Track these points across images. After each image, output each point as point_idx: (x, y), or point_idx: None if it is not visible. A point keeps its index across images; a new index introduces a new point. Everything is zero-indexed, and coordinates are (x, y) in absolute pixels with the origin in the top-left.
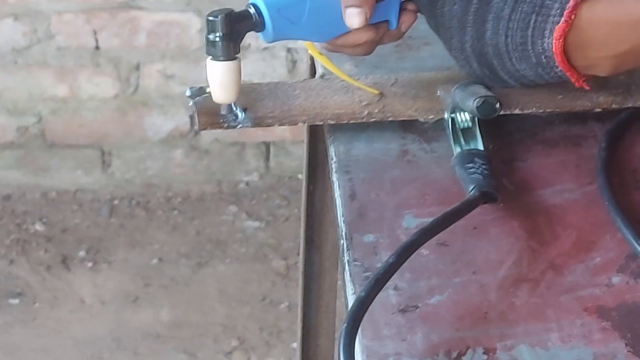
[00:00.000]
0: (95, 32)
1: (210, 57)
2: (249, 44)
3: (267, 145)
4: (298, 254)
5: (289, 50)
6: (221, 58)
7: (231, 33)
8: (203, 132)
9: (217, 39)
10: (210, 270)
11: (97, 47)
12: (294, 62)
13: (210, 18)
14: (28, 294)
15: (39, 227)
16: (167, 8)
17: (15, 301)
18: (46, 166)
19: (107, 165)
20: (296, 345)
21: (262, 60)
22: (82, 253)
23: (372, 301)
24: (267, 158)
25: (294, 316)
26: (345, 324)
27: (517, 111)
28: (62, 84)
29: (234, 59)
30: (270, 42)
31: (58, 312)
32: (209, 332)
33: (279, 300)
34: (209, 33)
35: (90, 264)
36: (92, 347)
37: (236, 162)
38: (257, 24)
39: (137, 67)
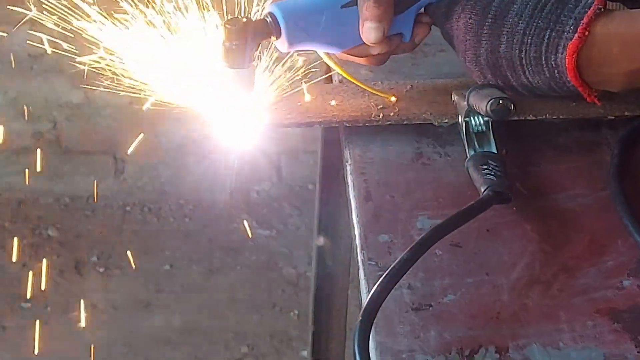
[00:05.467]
0: None
1: (226, 64)
2: (260, 55)
3: (279, 154)
4: (309, 263)
5: (303, 61)
6: (237, 65)
7: (248, 41)
8: (216, 139)
9: (234, 46)
10: (221, 278)
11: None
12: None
13: (228, 26)
14: (40, 298)
15: (52, 232)
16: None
17: (28, 305)
18: (60, 172)
19: (120, 172)
20: (306, 353)
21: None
22: (94, 258)
23: (386, 296)
24: (278, 167)
25: (304, 324)
26: (360, 318)
27: (530, 117)
28: (78, 91)
29: (250, 66)
30: (286, 52)
31: (70, 317)
32: (220, 338)
33: (289, 308)
34: (225, 40)
35: (102, 270)
36: (103, 351)
37: (248, 170)
38: (274, 33)
39: None
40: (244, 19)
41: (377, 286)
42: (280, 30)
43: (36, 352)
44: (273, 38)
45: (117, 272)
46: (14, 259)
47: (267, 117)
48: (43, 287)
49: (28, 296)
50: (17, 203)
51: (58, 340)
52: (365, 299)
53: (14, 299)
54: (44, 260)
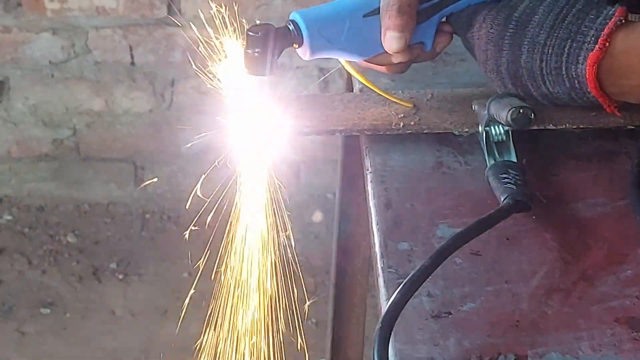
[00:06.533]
0: (131, 48)
1: (248, 71)
2: (282, 63)
3: (298, 162)
4: (327, 272)
5: (321, 69)
6: (258, 73)
7: (270, 49)
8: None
9: (256, 54)
10: None
11: (132, 63)
12: (326, 82)
13: (251, 33)
14: (59, 304)
15: (71, 239)
16: (203, 25)
17: (47, 311)
18: (80, 179)
19: (139, 180)
20: None
21: (295, 78)
22: (113, 265)
23: (406, 303)
24: (298, 175)
25: (322, 332)
26: (380, 325)
27: (550, 126)
28: (98, 98)
29: (271, 74)
30: (307, 59)
31: (88, 323)
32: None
33: (312, 316)
34: (248, 48)
35: (121, 276)
36: (121, 358)
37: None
38: (296, 41)
39: (172, 83)
40: (267, 27)
41: (397, 293)
42: (303, 38)
43: (55, 357)
44: (295, 46)
45: (135, 279)
46: (33, 265)
47: (287, 125)
48: (62, 294)
49: (47, 302)
50: (37, 209)
51: (77, 346)
52: (385, 307)
53: (33, 305)
54: (63, 267)
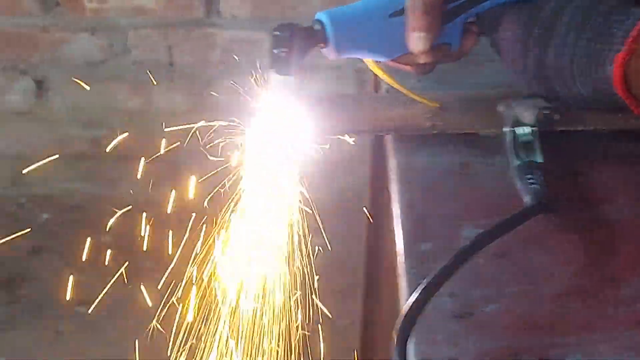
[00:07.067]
0: (170, 48)
1: (274, 70)
2: (318, 63)
3: (333, 163)
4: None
5: (357, 70)
6: (284, 72)
7: (296, 48)
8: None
9: (282, 53)
10: None
11: (171, 63)
12: (362, 82)
13: (277, 33)
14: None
15: (107, 238)
16: (241, 26)
17: (82, 310)
18: (117, 178)
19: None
20: None
21: (331, 79)
22: (149, 264)
23: (425, 304)
24: (332, 176)
25: (356, 334)
26: (399, 326)
27: (578, 127)
28: (136, 98)
29: (297, 74)
30: (332, 59)
31: (125, 323)
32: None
33: (342, 317)
34: (274, 47)
35: (157, 276)
36: (156, 358)
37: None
38: (322, 41)
39: (210, 83)
40: (292, 26)
41: (417, 294)
42: (328, 38)
43: (90, 356)
44: (321, 45)
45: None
46: (69, 264)
47: (312, 125)
48: (98, 293)
49: (83, 301)
50: (74, 208)
51: (113, 345)
52: (405, 307)
53: (69, 304)
54: (100, 266)
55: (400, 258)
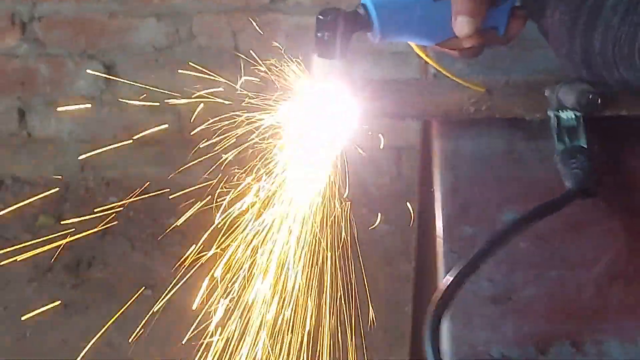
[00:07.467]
0: (234, 34)
1: (318, 54)
2: (382, 50)
3: (398, 149)
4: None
5: (420, 59)
6: (328, 56)
7: (339, 32)
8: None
9: (326, 37)
10: None
11: (236, 48)
12: (425, 72)
13: (321, 17)
14: (161, 287)
15: (174, 222)
16: (305, 12)
17: (149, 292)
18: (183, 163)
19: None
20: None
21: (394, 65)
22: (215, 249)
23: (461, 286)
24: (398, 162)
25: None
26: (433, 307)
27: (623, 112)
28: (202, 83)
29: (341, 57)
30: (377, 43)
31: (189, 305)
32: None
33: (404, 303)
34: (318, 31)
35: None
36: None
37: (368, 165)
38: (366, 25)
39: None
40: (336, 11)
41: (453, 276)
42: (372, 22)
43: (155, 339)
44: (365, 29)
45: None
46: (136, 247)
47: (359, 108)
48: (164, 276)
49: (149, 284)
50: (140, 193)
51: (177, 328)
52: (440, 289)
53: (135, 287)
54: (166, 250)
55: (440, 241)
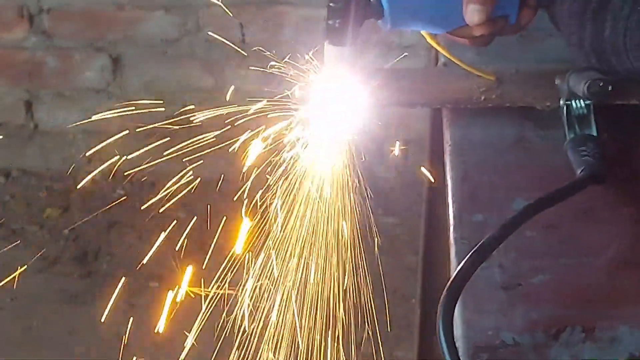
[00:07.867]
0: (242, 26)
1: (329, 41)
2: (392, 41)
3: (406, 141)
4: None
5: (430, 49)
6: (339, 43)
7: (350, 19)
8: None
9: (337, 25)
10: None
11: (243, 41)
12: (436, 61)
13: (332, 4)
14: (168, 279)
15: (181, 213)
16: (313, 3)
17: (156, 284)
18: (190, 155)
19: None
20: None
21: (404, 58)
22: (221, 242)
23: (473, 272)
24: (405, 154)
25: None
26: (445, 294)
27: (634, 101)
28: (209, 76)
29: (352, 45)
30: (388, 30)
31: (197, 297)
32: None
33: (410, 294)
34: (329, 19)
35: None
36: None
37: (375, 157)
38: (377, 13)
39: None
40: None
41: (465, 262)
42: (383, 9)
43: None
44: (376, 16)
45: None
46: (143, 239)
47: (369, 97)
48: (171, 268)
49: (156, 276)
50: (148, 185)
51: (184, 320)
52: (452, 275)
53: (144, 279)
54: (172, 241)
55: (451, 228)
